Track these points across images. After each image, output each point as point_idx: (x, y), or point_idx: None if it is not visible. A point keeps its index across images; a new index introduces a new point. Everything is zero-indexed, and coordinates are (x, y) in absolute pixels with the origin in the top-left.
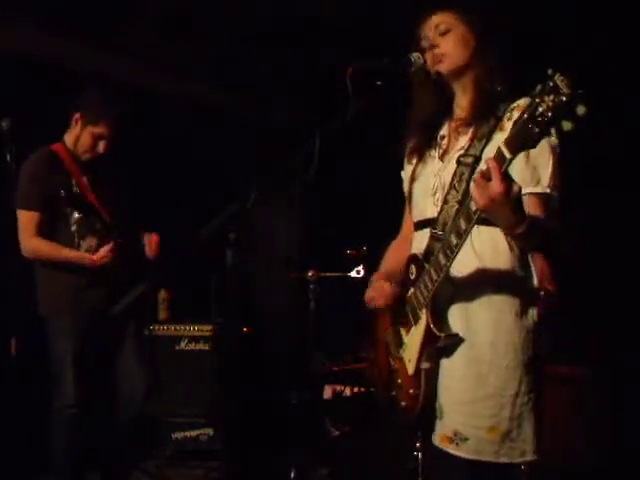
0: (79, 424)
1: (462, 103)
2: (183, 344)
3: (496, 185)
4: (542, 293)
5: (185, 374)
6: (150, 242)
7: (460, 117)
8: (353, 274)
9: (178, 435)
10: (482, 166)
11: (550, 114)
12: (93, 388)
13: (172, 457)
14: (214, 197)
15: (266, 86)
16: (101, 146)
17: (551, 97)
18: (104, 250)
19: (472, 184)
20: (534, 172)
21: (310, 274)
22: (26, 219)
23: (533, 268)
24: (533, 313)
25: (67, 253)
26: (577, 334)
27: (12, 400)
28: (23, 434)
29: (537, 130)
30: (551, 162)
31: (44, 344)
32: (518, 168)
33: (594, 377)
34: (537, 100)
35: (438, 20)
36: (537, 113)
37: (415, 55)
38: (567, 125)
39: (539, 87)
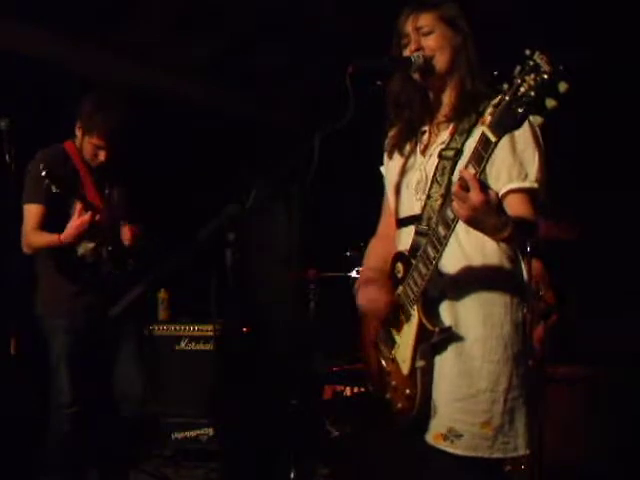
0: (77, 423)
1: (445, 101)
2: (183, 344)
3: (475, 195)
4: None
5: (185, 374)
6: (125, 232)
7: (442, 114)
8: (353, 274)
9: (178, 435)
10: (456, 178)
11: (533, 93)
12: (92, 388)
13: (172, 457)
14: (213, 197)
15: (266, 86)
16: (101, 156)
17: (532, 76)
18: (70, 226)
19: (452, 190)
20: (521, 167)
21: (310, 274)
22: (30, 213)
23: (524, 268)
24: (523, 307)
25: (43, 238)
26: (577, 334)
27: (12, 400)
28: (23, 434)
29: (521, 110)
30: (537, 155)
31: (44, 344)
32: (505, 163)
33: (594, 377)
34: (518, 81)
35: (421, 22)
36: (519, 94)
37: (415, 55)
38: (551, 103)
39: (518, 68)
